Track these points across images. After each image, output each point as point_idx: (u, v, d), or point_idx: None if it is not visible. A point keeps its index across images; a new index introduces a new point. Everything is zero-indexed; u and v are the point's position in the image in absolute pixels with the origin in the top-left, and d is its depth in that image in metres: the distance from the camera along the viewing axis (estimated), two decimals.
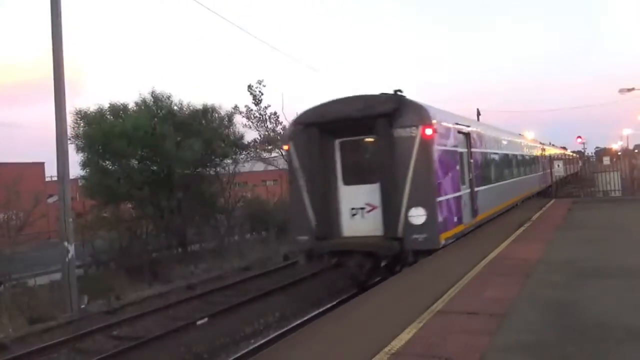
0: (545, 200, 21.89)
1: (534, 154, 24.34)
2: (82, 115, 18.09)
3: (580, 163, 42.08)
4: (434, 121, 10.75)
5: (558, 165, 25.92)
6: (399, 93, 10.95)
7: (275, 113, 26.59)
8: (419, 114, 10.76)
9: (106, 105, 18.67)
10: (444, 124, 11.68)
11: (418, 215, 10.40)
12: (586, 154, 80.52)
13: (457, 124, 12.74)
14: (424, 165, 10.46)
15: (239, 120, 24.03)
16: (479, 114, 44.34)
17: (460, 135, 12.79)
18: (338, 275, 12.62)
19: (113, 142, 16.82)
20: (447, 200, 11.20)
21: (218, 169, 21.22)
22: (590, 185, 25.96)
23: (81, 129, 17.89)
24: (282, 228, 23.41)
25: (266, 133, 26.63)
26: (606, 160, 29.15)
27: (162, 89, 20.43)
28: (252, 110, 25.89)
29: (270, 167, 30.94)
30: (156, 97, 18.96)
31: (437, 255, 10.56)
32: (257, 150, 26.73)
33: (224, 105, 22.59)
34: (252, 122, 25.97)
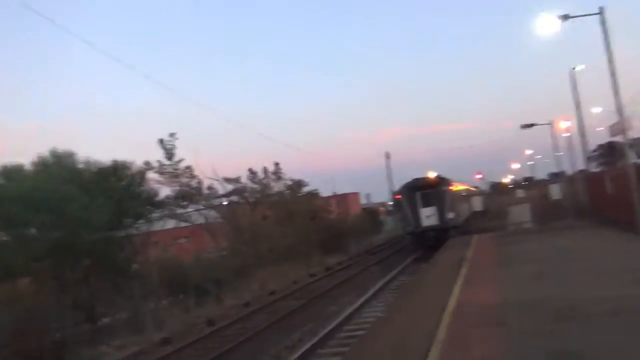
0: (467, 238, 21.97)
1: (465, 192, 36.59)
2: None
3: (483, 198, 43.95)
4: (451, 184, 27.35)
5: (477, 202, 26.68)
6: (441, 175, 27.85)
7: (189, 167, 25.05)
8: (448, 181, 27.02)
9: None
10: (452, 183, 27.63)
11: (452, 215, 25.47)
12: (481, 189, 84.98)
13: (452, 182, 28.41)
14: (450, 199, 25.94)
15: (152, 176, 22.20)
16: (387, 157, 45.33)
17: (452, 187, 27.84)
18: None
19: (5, 208, 14.39)
20: (456, 211, 26.78)
21: (130, 231, 19.08)
22: (501, 218, 26.71)
23: None
24: (201, 289, 21.45)
25: (180, 188, 24.91)
26: (520, 192, 30.58)
27: (65, 146, 18.09)
28: (164, 165, 24.18)
29: (183, 224, 28.98)
30: (57, 156, 16.76)
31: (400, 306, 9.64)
32: (171, 207, 24.79)
33: (137, 161, 20.61)
34: (164, 177, 24.19)
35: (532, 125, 28.26)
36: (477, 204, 26.79)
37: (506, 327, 7.13)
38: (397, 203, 28.11)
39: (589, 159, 36.79)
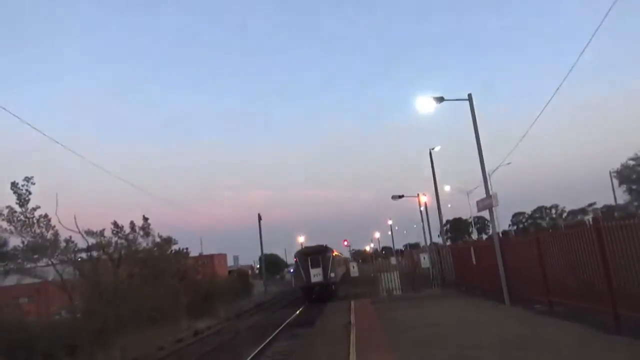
0: (345, 303, 21.96)
1: (341, 258, 47.90)
2: None
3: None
4: (334, 252, 37.52)
5: (353, 267, 27.03)
6: (326, 245, 37.21)
7: (46, 215, 22.29)
8: (330, 250, 35.70)
9: None
10: (333, 251, 36.70)
11: (334, 274, 33.71)
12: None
13: (333, 250, 37.18)
14: (331, 262, 34.00)
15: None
16: (259, 218, 44.88)
17: (334, 254, 36.66)
18: None
19: None
20: (335, 272, 34.90)
21: None
22: (373, 284, 27.34)
23: None
24: (51, 357, 18.50)
25: (32, 239, 21.94)
26: (393, 260, 31.86)
27: None
28: (15, 212, 21.26)
29: (32, 279, 25.43)
30: None
31: None
32: (19, 260, 21.68)
33: None
34: (14, 225, 21.21)
35: (401, 196, 30.13)
36: (354, 270, 27.18)
37: None
38: (297, 264, 35.87)
39: (441, 232, 39.96)
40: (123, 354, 20.10)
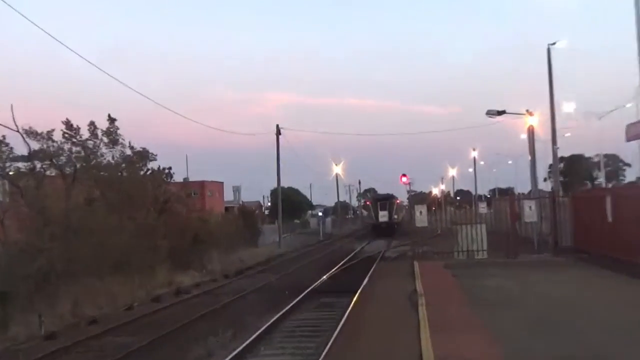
0: (406, 264, 22.32)
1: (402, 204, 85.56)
2: None
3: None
4: (398, 199, 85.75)
5: (420, 212, 26.93)
6: (392, 194, 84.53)
7: None
8: (395, 197, 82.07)
9: None
10: (398, 200, 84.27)
11: (396, 216, 74.76)
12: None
13: (397, 198, 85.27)
14: (395, 207, 75.82)
15: None
16: (278, 132, 45.68)
17: (397, 200, 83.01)
18: None
19: None
20: (398, 214, 77.22)
21: None
22: (446, 239, 27.61)
23: None
24: None
25: None
26: (482, 207, 31.56)
27: None
28: None
29: None
30: None
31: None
32: None
33: None
34: None
35: (502, 112, 29.03)
36: (421, 216, 26.39)
37: None
38: (368, 206, 76.40)
39: (553, 171, 39.14)
40: (75, 310, 20.89)
